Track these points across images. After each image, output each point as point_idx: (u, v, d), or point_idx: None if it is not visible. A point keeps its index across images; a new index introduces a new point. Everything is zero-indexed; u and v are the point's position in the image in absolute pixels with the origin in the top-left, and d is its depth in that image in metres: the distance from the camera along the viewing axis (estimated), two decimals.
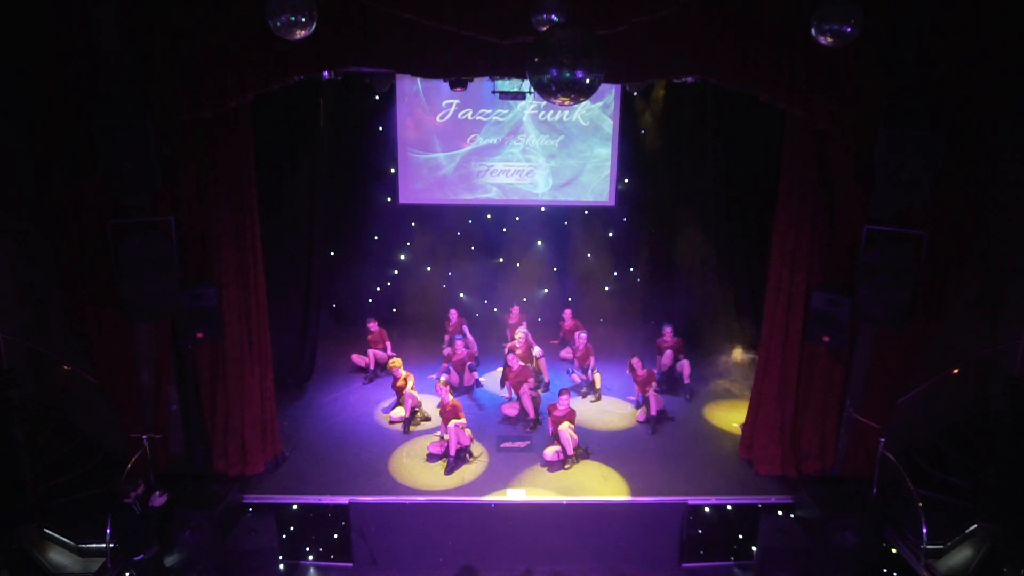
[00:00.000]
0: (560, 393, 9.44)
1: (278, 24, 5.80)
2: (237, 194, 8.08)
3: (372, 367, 11.43)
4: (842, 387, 8.58)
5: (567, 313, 12.41)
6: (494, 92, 10.45)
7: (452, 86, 10.14)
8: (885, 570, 7.90)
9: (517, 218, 13.28)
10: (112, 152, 7.09)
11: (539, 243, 13.40)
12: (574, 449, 9.05)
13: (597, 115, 12.48)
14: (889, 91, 7.43)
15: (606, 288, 13.50)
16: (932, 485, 8.28)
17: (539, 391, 10.56)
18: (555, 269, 13.44)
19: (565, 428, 9.06)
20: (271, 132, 9.35)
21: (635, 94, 12.34)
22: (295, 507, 8.32)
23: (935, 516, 7.65)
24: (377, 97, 12.18)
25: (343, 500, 8.32)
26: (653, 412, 9.93)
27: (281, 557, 8.03)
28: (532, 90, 5.27)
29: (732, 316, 12.26)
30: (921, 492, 7.70)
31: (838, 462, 8.77)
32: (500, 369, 10.86)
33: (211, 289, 8.05)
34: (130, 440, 8.06)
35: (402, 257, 13.29)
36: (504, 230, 13.33)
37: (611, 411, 10.46)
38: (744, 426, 9.26)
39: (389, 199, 12.87)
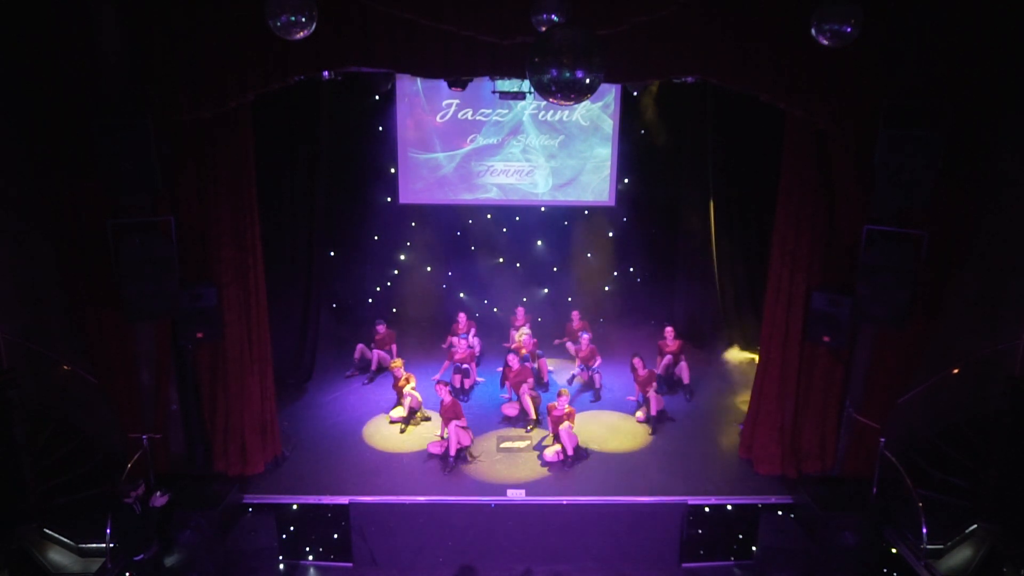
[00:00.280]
0: (559, 394, 9.44)
1: (278, 24, 5.80)
2: (237, 194, 8.08)
3: (374, 367, 11.43)
4: (842, 387, 8.58)
5: (575, 315, 12.42)
6: (494, 92, 10.45)
7: (452, 86, 10.14)
8: (885, 570, 7.90)
9: (517, 218, 13.28)
10: (112, 152, 7.09)
11: (539, 243, 13.40)
12: (574, 449, 9.05)
13: (597, 115, 12.47)
14: (889, 91, 7.43)
15: (606, 288, 13.50)
16: (932, 485, 8.28)
17: (538, 391, 10.55)
18: (555, 269, 13.44)
19: (565, 428, 9.07)
20: (271, 132, 9.36)
21: (635, 94, 12.34)
22: (295, 507, 8.32)
23: (935, 516, 7.66)
24: (377, 97, 12.18)
25: (343, 500, 8.32)
26: (653, 412, 9.93)
27: (281, 557, 8.02)
28: (532, 90, 5.27)
29: (732, 316, 12.27)
30: (921, 492, 7.70)
31: (838, 462, 8.77)
32: (500, 369, 10.87)
33: (211, 289, 8.05)
34: (130, 440, 8.06)
35: (402, 257, 13.29)
36: (504, 230, 13.33)
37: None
38: (744, 426, 9.26)
39: (389, 199, 12.86)
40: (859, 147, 7.59)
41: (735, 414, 10.17)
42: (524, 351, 11.11)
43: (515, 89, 10.24)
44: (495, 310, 13.32)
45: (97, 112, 7.10)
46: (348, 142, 12.23)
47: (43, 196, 7.50)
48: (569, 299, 13.37)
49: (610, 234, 13.33)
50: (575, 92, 4.43)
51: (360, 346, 11.66)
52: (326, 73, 8.90)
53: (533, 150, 12.58)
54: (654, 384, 10.19)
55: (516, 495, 8.42)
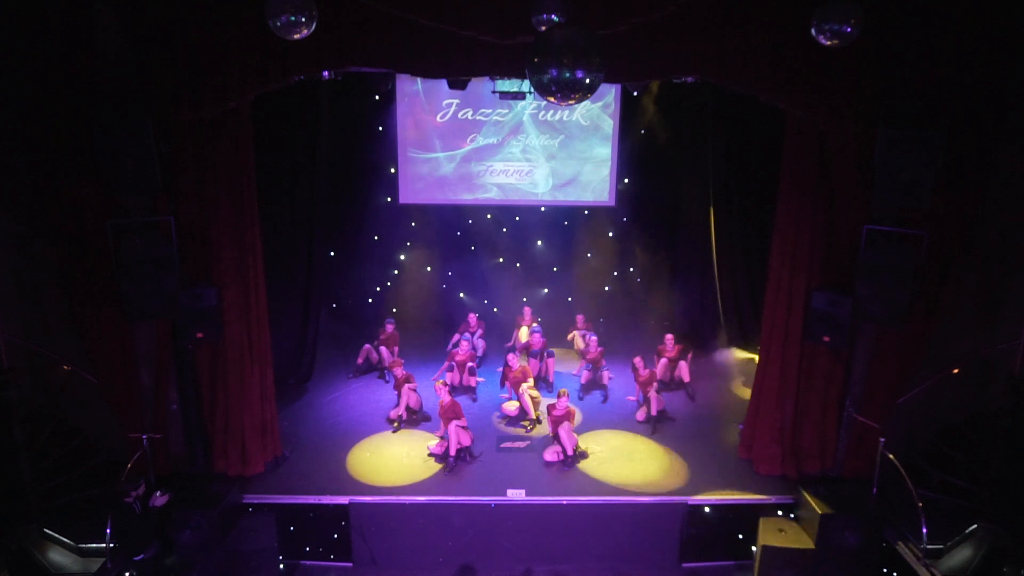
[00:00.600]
0: (558, 395, 9.44)
1: (278, 24, 5.80)
2: (237, 194, 8.08)
3: (386, 364, 11.40)
4: (842, 387, 8.58)
5: (579, 318, 12.43)
6: (494, 92, 10.44)
7: (452, 86, 10.14)
8: (885, 570, 7.90)
9: (517, 218, 13.27)
10: (112, 152, 7.10)
11: (539, 243, 13.40)
12: (574, 449, 9.05)
13: (597, 115, 12.47)
14: (889, 91, 7.43)
15: (606, 288, 13.50)
16: (932, 485, 8.28)
17: (538, 391, 10.55)
18: (555, 269, 13.44)
19: (564, 428, 9.07)
20: (271, 132, 9.35)
21: (635, 94, 12.33)
22: (295, 507, 8.32)
23: (935, 516, 7.65)
24: (377, 97, 12.17)
25: (343, 500, 8.32)
26: (654, 412, 9.93)
27: (281, 557, 8.02)
28: (532, 90, 5.28)
29: (732, 316, 12.27)
30: (921, 492, 7.70)
31: (838, 462, 8.77)
32: (501, 369, 10.87)
33: (211, 289, 8.05)
34: (130, 440, 8.06)
35: (402, 257, 13.29)
36: (504, 230, 13.33)
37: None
38: (744, 426, 9.26)
39: (389, 199, 12.86)
40: (859, 147, 7.59)
41: (735, 414, 10.17)
42: (533, 348, 11.14)
43: (515, 89, 10.23)
44: (495, 310, 13.32)
45: (97, 112, 7.10)
46: (348, 142, 12.23)
47: (43, 196, 7.49)
48: (569, 299, 13.37)
49: (610, 234, 13.32)
50: (575, 92, 4.42)
51: (366, 347, 11.61)
52: (326, 73, 8.89)
53: (533, 150, 12.58)
54: (655, 384, 10.20)
55: (516, 495, 8.42)
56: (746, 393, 9.96)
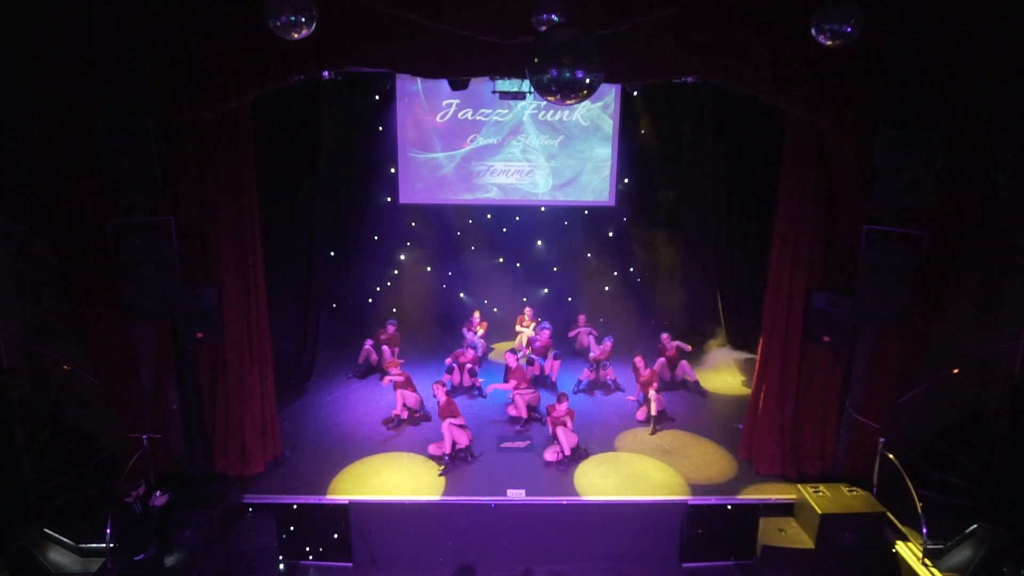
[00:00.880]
0: (558, 398, 9.45)
1: (278, 24, 5.80)
2: (237, 194, 8.08)
3: (385, 363, 11.39)
4: (842, 387, 8.58)
5: (581, 318, 12.43)
6: (494, 92, 10.44)
7: (452, 86, 10.14)
8: (885, 570, 7.89)
9: (517, 218, 13.28)
10: (112, 152, 7.10)
11: (539, 243, 13.40)
12: (572, 449, 9.05)
13: (597, 115, 12.47)
14: (889, 91, 7.44)
15: (606, 288, 13.50)
16: (932, 485, 8.28)
17: (539, 390, 10.55)
18: (555, 269, 13.44)
19: (563, 428, 9.06)
20: (271, 132, 9.35)
21: (635, 94, 12.34)
22: (295, 507, 8.32)
23: (935, 516, 7.65)
24: (377, 97, 12.17)
25: (343, 500, 8.32)
26: (654, 412, 9.93)
27: (281, 557, 8.02)
28: (532, 90, 5.27)
29: (732, 316, 12.27)
30: (921, 492, 7.69)
31: (838, 462, 8.77)
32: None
33: (211, 289, 8.05)
34: (130, 440, 8.06)
35: (402, 257, 13.29)
36: (504, 230, 13.33)
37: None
38: (744, 426, 9.26)
39: (389, 199, 12.86)
40: (859, 147, 7.59)
41: (735, 414, 10.17)
42: (538, 344, 11.16)
43: (515, 89, 10.24)
44: (495, 310, 13.31)
45: (97, 112, 7.11)
46: (348, 142, 12.24)
47: (43, 196, 7.49)
48: (569, 299, 13.37)
49: (610, 234, 13.32)
50: (575, 92, 4.42)
51: (367, 346, 11.54)
52: (326, 73, 8.90)
53: (533, 150, 12.58)
54: (655, 384, 10.19)
55: (516, 495, 8.41)
56: (746, 393, 9.95)
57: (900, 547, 7.81)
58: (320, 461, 9.13)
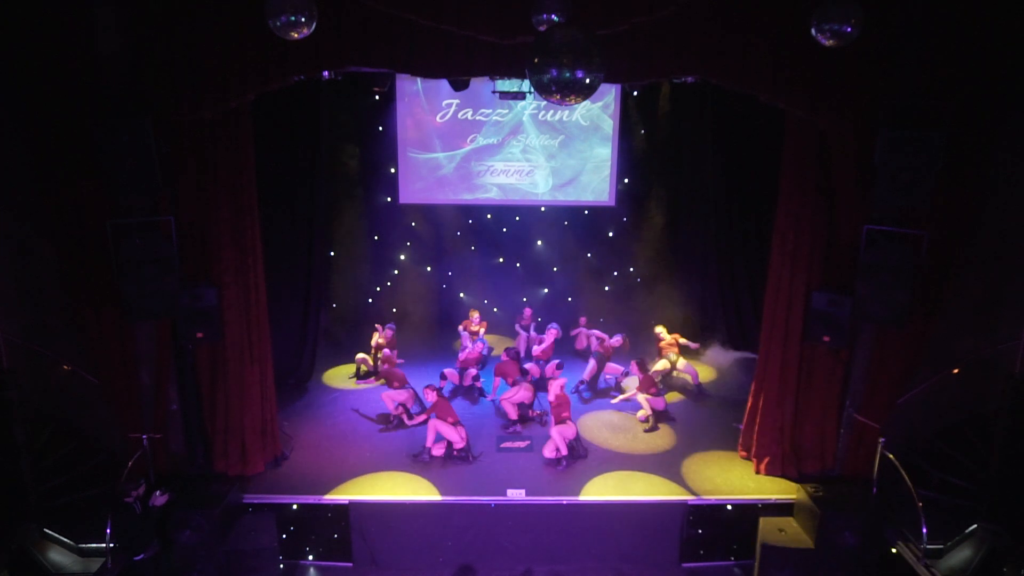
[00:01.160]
0: (549, 382, 9.49)
1: (278, 24, 5.81)
2: (237, 194, 8.08)
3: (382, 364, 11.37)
4: (842, 387, 8.58)
5: (582, 320, 12.43)
6: (494, 92, 10.45)
7: (453, 86, 10.14)
8: (885, 570, 7.90)
9: (517, 218, 13.29)
10: (112, 152, 7.09)
11: (539, 243, 13.40)
12: (569, 444, 9.01)
13: (597, 115, 12.48)
14: (889, 91, 7.43)
15: (606, 288, 13.50)
16: (932, 485, 8.28)
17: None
18: (555, 269, 13.44)
19: (558, 428, 9.04)
20: (271, 132, 9.35)
21: (635, 94, 12.34)
22: (295, 507, 8.32)
23: (935, 516, 7.65)
24: (377, 97, 12.18)
25: (343, 500, 8.32)
26: (648, 412, 9.93)
27: (281, 557, 8.02)
28: (532, 90, 5.27)
29: (732, 316, 12.27)
30: (921, 492, 7.69)
31: (838, 462, 8.77)
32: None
33: (211, 289, 8.05)
34: (130, 440, 8.06)
35: (402, 257, 13.29)
36: (504, 230, 13.34)
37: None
38: (744, 426, 9.26)
39: (389, 199, 12.87)
40: (859, 147, 7.59)
41: (735, 414, 10.17)
42: (539, 351, 11.22)
43: (515, 89, 10.24)
44: (495, 310, 13.33)
45: (97, 112, 7.10)
46: (348, 142, 12.24)
47: (43, 196, 7.49)
48: (569, 299, 13.38)
49: (610, 234, 13.33)
50: (575, 92, 4.43)
51: (359, 359, 11.47)
52: (326, 73, 8.91)
53: (533, 150, 12.59)
54: (653, 389, 10.18)
55: (516, 495, 8.41)
56: (746, 393, 9.93)
57: (900, 547, 7.81)
58: (320, 461, 9.13)
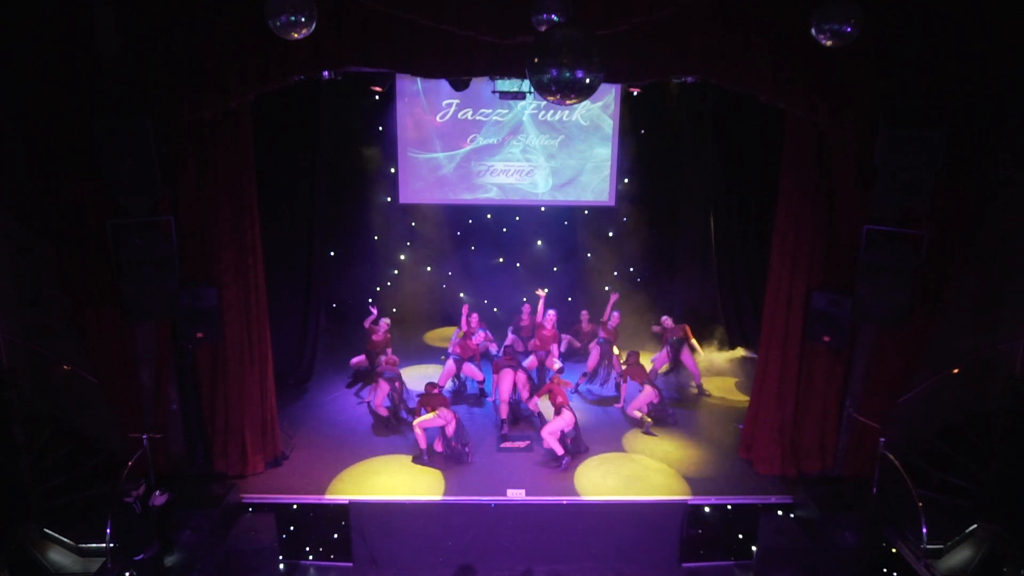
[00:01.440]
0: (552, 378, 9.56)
1: (278, 24, 5.80)
2: (237, 194, 8.08)
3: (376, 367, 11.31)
4: (842, 387, 8.58)
5: (584, 314, 12.40)
6: (494, 92, 10.44)
7: (453, 86, 10.13)
8: (885, 570, 7.90)
9: (517, 218, 13.28)
10: (112, 152, 7.08)
11: (539, 243, 13.40)
12: (560, 442, 8.98)
13: (597, 115, 12.47)
14: (889, 91, 7.43)
15: (606, 288, 13.48)
16: (932, 485, 8.28)
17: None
18: (555, 269, 13.44)
19: (548, 431, 9.01)
20: (271, 132, 9.35)
21: (635, 94, 12.33)
22: (295, 507, 8.32)
23: (935, 516, 7.66)
24: (377, 97, 12.17)
25: (343, 500, 8.32)
26: (644, 409, 9.91)
27: (281, 557, 8.02)
28: (532, 90, 5.27)
29: (732, 316, 12.26)
30: (921, 492, 7.70)
31: (838, 462, 8.77)
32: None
33: (211, 289, 8.05)
34: (130, 440, 8.06)
35: (402, 257, 13.29)
36: (504, 230, 13.33)
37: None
38: (744, 426, 9.26)
39: (389, 199, 12.87)
40: (859, 147, 7.59)
41: (735, 414, 10.17)
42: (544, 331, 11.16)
43: (515, 89, 10.24)
44: (495, 310, 13.32)
45: (97, 112, 7.10)
46: (348, 142, 12.24)
47: (43, 196, 7.50)
48: (569, 299, 13.37)
49: (610, 234, 13.33)
50: (575, 92, 4.42)
51: (354, 362, 11.31)
52: (326, 73, 8.91)
53: (533, 150, 12.58)
54: (654, 393, 10.17)
55: (516, 495, 8.42)
56: (746, 393, 9.95)
57: (900, 547, 7.81)
58: (320, 461, 9.13)
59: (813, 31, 5.97)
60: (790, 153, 8.16)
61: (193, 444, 8.77)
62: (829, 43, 5.97)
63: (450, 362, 10.79)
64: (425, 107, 12.29)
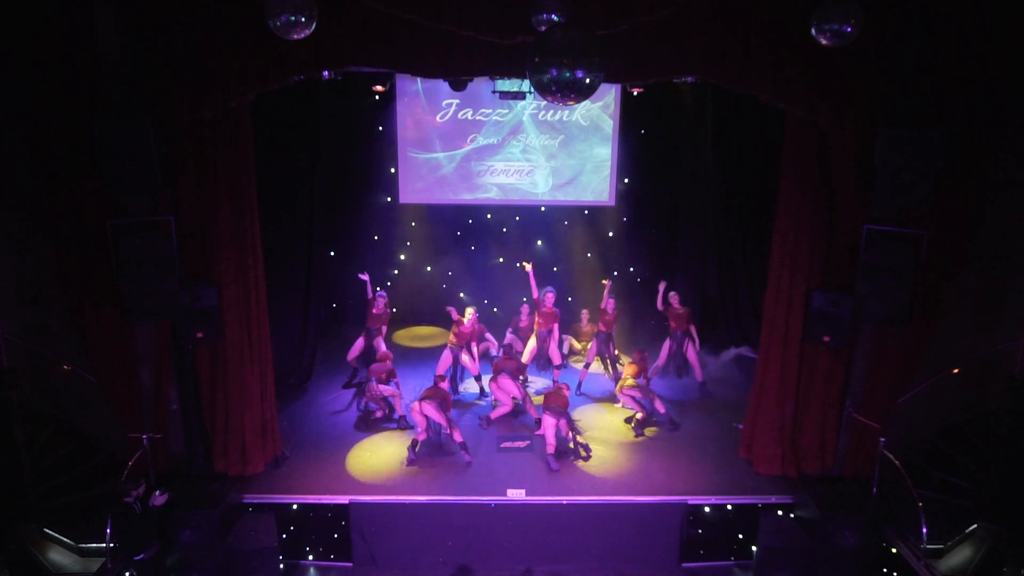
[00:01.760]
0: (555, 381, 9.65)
1: (278, 24, 5.81)
2: (237, 194, 8.07)
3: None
4: (842, 387, 8.58)
5: (584, 314, 12.40)
6: (494, 92, 10.45)
7: (453, 86, 10.12)
8: (885, 570, 7.90)
9: (517, 218, 13.28)
10: (112, 152, 7.08)
11: (539, 243, 13.40)
12: (555, 437, 8.99)
13: (597, 115, 12.47)
14: (889, 91, 7.44)
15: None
16: (932, 485, 8.28)
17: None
18: (555, 269, 13.43)
19: (545, 426, 9.03)
20: (271, 132, 9.35)
21: (635, 94, 12.33)
22: (295, 507, 8.32)
23: (935, 516, 7.66)
24: (377, 97, 12.17)
25: (343, 500, 8.32)
26: (637, 411, 9.92)
27: (281, 557, 8.02)
28: (532, 90, 5.27)
29: (732, 316, 12.26)
30: (921, 492, 7.70)
31: (838, 462, 8.77)
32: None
33: (211, 289, 8.05)
34: (130, 440, 8.06)
35: (402, 257, 13.29)
36: (504, 230, 13.33)
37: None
38: (744, 426, 9.26)
39: (389, 199, 12.87)
40: (859, 147, 7.59)
41: (735, 414, 10.16)
42: (544, 308, 11.08)
43: (515, 89, 10.24)
44: (495, 310, 13.32)
45: (97, 112, 7.09)
46: (348, 142, 12.23)
47: (43, 196, 7.50)
48: (569, 299, 13.36)
49: (610, 234, 13.33)
50: (575, 92, 4.43)
51: (351, 359, 11.17)
52: (326, 73, 8.90)
53: (533, 150, 12.58)
54: (641, 375, 10.18)
55: (516, 495, 8.41)
56: (746, 393, 9.91)
57: (900, 547, 7.81)
58: (320, 461, 9.13)
59: (813, 31, 5.98)
60: (790, 153, 8.16)
61: (193, 444, 8.77)
62: (829, 43, 5.98)
63: (447, 352, 10.74)
64: (425, 107, 12.28)
